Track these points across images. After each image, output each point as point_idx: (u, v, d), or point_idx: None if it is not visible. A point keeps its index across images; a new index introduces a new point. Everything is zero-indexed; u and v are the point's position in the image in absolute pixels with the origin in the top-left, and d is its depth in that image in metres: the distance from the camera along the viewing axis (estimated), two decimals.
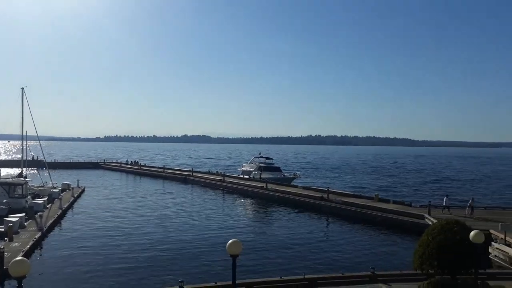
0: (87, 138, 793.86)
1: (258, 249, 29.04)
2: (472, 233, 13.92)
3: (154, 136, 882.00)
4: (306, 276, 18.74)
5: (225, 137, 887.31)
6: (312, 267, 24.79)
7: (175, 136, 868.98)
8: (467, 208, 37.64)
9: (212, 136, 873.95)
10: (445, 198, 40.66)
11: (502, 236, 27.15)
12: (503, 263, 24.59)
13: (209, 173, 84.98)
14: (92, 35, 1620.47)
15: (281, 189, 56.68)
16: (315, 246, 30.66)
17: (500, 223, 29.14)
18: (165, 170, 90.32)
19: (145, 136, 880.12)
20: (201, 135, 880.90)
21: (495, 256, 25.54)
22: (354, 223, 39.22)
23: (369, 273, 19.39)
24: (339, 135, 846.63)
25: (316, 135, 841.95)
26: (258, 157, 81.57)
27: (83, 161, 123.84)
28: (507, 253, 24.76)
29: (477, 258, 14.24)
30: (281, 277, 19.01)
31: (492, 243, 26.89)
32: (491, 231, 29.48)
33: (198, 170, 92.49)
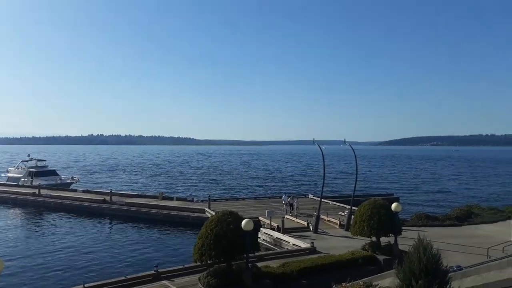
0: None
1: (28, 265, 25.52)
2: (243, 222, 15.50)
3: None
4: (86, 286, 17.49)
5: None
6: (93, 275, 23.36)
7: None
8: (284, 206, 37.27)
9: None
10: (283, 196, 39.38)
11: (268, 221, 31.34)
12: (269, 245, 28.34)
13: None
14: None
15: (57, 194, 51.33)
16: (97, 252, 29.01)
17: (266, 210, 33.52)
18: None
19: None
20: None
21: (264, 239, 29.21)
22: (138, 223, 38.79)
23: (152, 272, 19.44)
24: (123, 134, 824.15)
25: (98, 134, 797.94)
26: (28, 160, 71.38)
27: None
28: (272, 236, 28.69)
29: (247, 244, 15.92)
30: None
31: (261, 228, 30.70)
32: (260, 217, 33.69)
33: None
